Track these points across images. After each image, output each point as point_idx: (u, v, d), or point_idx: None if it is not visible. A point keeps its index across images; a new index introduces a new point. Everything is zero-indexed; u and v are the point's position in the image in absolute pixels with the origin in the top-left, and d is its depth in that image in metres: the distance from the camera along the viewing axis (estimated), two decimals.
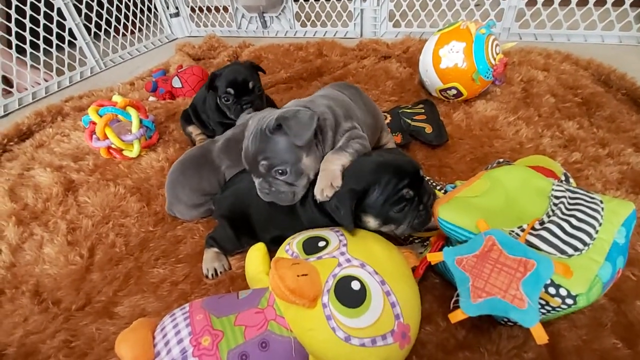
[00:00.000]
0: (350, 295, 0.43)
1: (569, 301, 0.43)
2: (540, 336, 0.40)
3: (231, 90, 0.92)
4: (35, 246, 0.77)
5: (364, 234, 0.55)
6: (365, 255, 0.48)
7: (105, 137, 0.98)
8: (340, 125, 0.64)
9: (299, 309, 0.43)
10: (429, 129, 0.96)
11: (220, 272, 0.66)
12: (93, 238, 0.78)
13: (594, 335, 0.52)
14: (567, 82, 1.15)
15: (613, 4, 1.43)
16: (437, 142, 0.94)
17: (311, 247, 0.52)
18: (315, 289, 0.43)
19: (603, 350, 0.50)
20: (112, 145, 1.00)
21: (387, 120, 0.97)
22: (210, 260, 0.67)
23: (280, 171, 0.59)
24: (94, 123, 0.98)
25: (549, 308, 0.45)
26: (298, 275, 0.42)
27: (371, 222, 0.57)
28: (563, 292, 0.43)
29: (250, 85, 0.94)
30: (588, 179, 0.78)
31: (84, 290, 0.67)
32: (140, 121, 1.03)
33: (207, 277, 0.66)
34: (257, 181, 0.62)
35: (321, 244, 0.52)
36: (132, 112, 1.01)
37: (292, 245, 0.54)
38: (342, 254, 0.48)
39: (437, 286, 0.60)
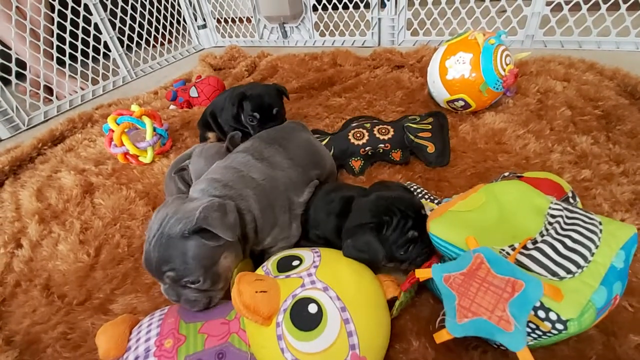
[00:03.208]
0: (304, 317, 0.42)
1: (559, 326, 0.40)
2: None
3: (257, 115, 0.96)
4: (52, 243, 0.84)
5: (340, 258, 0.54)
6: (333, 279, 0.48)
7: (122, 144, 1.06)
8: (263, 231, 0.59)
9: (257, 325, 0.44)
10: (431, 148, 0.93)
11: None
12: (101, 238, 0.84)
13: None
14: (588, 93, 1.08)
15: None
16: (437, 164, 0.91)
17: (285, 265, 0.52)
18: (272, 307, 0.43)
19: None
20: (129, 152, 1.08)
21: (389, 135, 0.96)
22: None
23: (191, 281, 0.50)
24: (113, 131, 1.06)
25: (540, 333, 0.43)
26: (256, 292, 0.43)
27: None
28: (553, 316, 0.41)
29: (275, 111, 0.98)
30: (595, 199, 0.73)
31: (87, 286, 0.72)
32: (154, 129, 1.10)
33: None
34: (162, 286, 0.53)
35: (295, 262, 0.52)
36: (146, 120, 1.08)
37: (268, 262, 0.55)
38: (309, 275, 0.48)
39: (415, 304, 0.59)
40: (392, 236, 0.54)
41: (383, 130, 0.97)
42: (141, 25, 2.02)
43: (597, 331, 0.52)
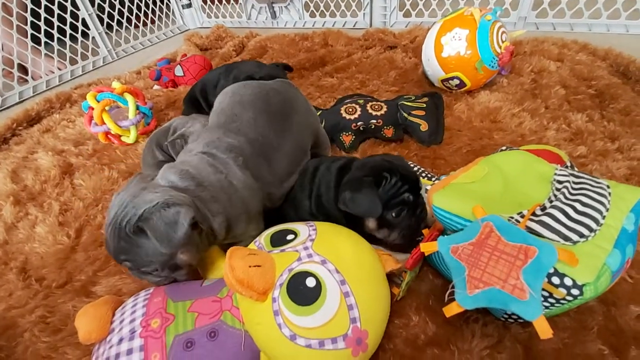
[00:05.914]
0: (302, 291, 0.40)
1: (575, 292, 0.39)
2: (544, 330, 0.36)
3: None
4: (29, 225, 0.79)
5: (337, 231, 0.52)
6: (330, 252, 0.45)
7: (103, 122, 1.00)
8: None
9: (251, 301, 0.41)
10: (424, 127, 0.91)
11: None
12: (82, 219, 0.79)
13: (577, 338, 0.48)
14: (581, 73, 1.07)
15: None
16: (429, 143, 0.89)
17: (279, 239, 0.50)
18: (267, 282, 0.41)
19: (586, 356, 0.46)
20: (110, 131, 1.02)
21: (382, 112, 0.93)
22: None
23: (148, 271, 0.51)
24: (93, 108, 1.00)
25: (553, 300, 0.41)
26: (250, 266, 0.40)
27: (370, 222, 0.57)
28: (568, 281, 0.39)
29: None
30: (592, 174, 0.72)
31: (67, 269, 0.68)
32: (138, 107, 1.04)
33: None
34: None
35: (289, 237, 0.49)
36: (128, 98, 1.02)
37: (261, 237, 0.52)
38: (306, 248, 0.45)
39: (413, 278, 0.57)
40: (388, 193, 0.54)
41: (376, 107, 0.94)
42: (122, 3, 1.91)
43: (597, 302, 0.51)
